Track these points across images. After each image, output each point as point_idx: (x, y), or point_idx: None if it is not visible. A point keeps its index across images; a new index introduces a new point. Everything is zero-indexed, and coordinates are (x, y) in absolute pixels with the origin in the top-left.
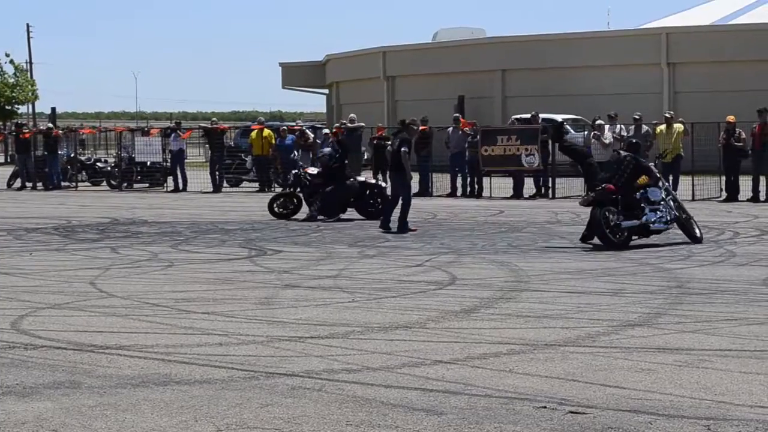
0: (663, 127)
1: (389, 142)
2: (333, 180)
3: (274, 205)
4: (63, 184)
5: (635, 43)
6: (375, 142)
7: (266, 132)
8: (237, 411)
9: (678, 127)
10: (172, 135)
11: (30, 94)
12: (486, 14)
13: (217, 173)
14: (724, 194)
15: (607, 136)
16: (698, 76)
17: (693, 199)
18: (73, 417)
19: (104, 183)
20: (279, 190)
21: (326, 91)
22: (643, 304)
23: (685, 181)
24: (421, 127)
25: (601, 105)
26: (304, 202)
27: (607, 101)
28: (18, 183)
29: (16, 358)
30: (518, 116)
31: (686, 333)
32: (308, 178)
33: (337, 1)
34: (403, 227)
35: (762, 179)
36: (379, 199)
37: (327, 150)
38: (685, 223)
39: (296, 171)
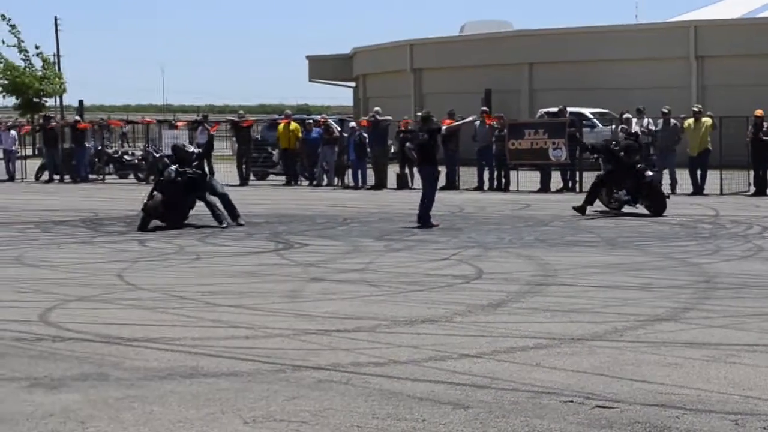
0: (691, 121)
1: (408, 144)
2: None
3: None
4: (90, 176)
5: (663, 37)
6: (402, 135)
7: (293, 125)
8: (264, 404)
9: (706, 121)
10: (200, 128)
11: (58, 86)
12: (513, 7)
13: (243, 166)
14: (753, 188)
15: (635, 130)
16: (727, 69)
17: (721, 193)
18: (100, 409)
19: (131, 176)
20: (305, 183)
21: (353, 84)
22: (670, 299)
23: (713, 176)
24: (447, 121)
25: (629, 98)
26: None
27: (635, 95)
28: (46, 176)
29: (44, 350)
30: (546, 110)
31: (714, 328)
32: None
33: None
34: (426, 222)
35: None
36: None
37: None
38: None
39: (174, 167)
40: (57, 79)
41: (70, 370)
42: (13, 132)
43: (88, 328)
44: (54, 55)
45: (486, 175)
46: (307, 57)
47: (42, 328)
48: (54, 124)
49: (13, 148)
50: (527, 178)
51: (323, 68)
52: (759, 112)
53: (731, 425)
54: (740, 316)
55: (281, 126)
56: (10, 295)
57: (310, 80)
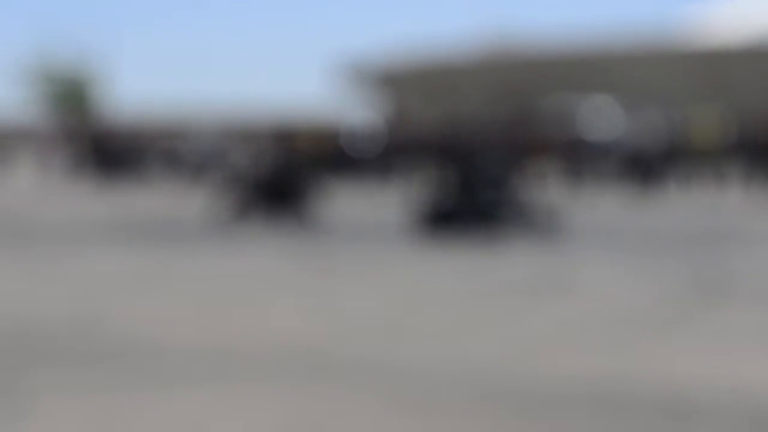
0: (703, 126)
1: None
2: None
3: None
4: (133, 182)
5: (681, 54)
6: None
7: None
8: (287, 403)
9: (718, 126)
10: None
11: (101, 93)
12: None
13: None
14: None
15: (647, 137)
16: (739, 74)
17: (735, 198)
18: (137, 411)
19: (173, 180)
20: None
21: (380, 96)
22: (686, 293)
23: (727, 181)
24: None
25: (644, 99)
26: None
27: (649, 97)
28: (90, 181)
29: (82, 352)
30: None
31: (735, 323)
32: None
33: (394, 8)
34: None
35: None
36: None
37: None
38: None
39: None
40: (100, 86)
41: (108, 371)
42: (64, 139)
43: (122, 326)
44: (96, 61)
45: None
46: (334, 67)
47: (81, 330)
48: (98, 131)
49: (63, 155)
50: None
51: (350, 80)
52: None
53: (751, 421)
54: (761, 314)
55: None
56: (50, 295)
57: (338, 97)
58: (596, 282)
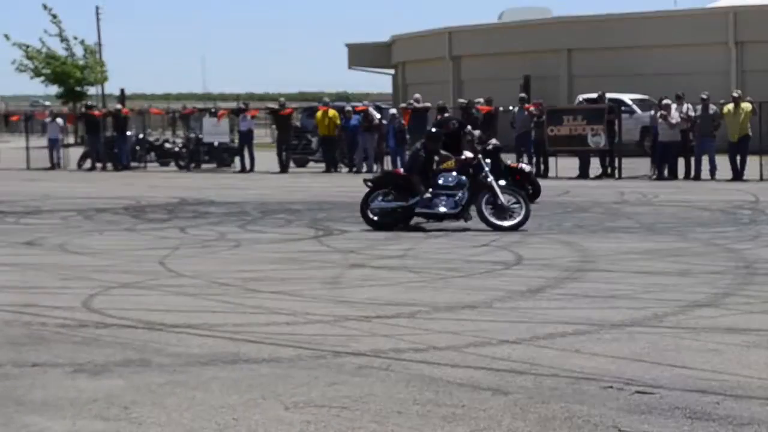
0: (731, 106)
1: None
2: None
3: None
4: (132, 164)
5: (703, 22)
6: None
7: (332, 112)
8: (304, 389)
9: (746, 106)
10: (241, 115)
11: (99, 75)
12: None
13: (284, 154)
14: None
15: (674, 116)
16: (766, 55)
17: (761, 179)
18: (143, 394)
19: (172, 164)
20: (345, 170)
21: (392, 71)
22: (710, 285)
23: (752, 161)
24: (485, 108)
25: (668, 84)
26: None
27: (675, 81)
28: (88, 164)
29: (87, 336)
30: (585, 96)
31: (754, 313)
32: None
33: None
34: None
35: None
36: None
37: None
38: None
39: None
40: (98, 68)
41: (113, 355)
42: (59, 120)
43: (130, 314)
44: (95, 44)
45: (525, 161)
46: (347, 44)
47: (85, 315)
48: (96, 112)
49: (59, 136)
50: (566, 165)
51: (362, 55)
52: None
53: None
54: None
55: (320, 113)
56: (53, 281)
57: (349, 67)
58: None
